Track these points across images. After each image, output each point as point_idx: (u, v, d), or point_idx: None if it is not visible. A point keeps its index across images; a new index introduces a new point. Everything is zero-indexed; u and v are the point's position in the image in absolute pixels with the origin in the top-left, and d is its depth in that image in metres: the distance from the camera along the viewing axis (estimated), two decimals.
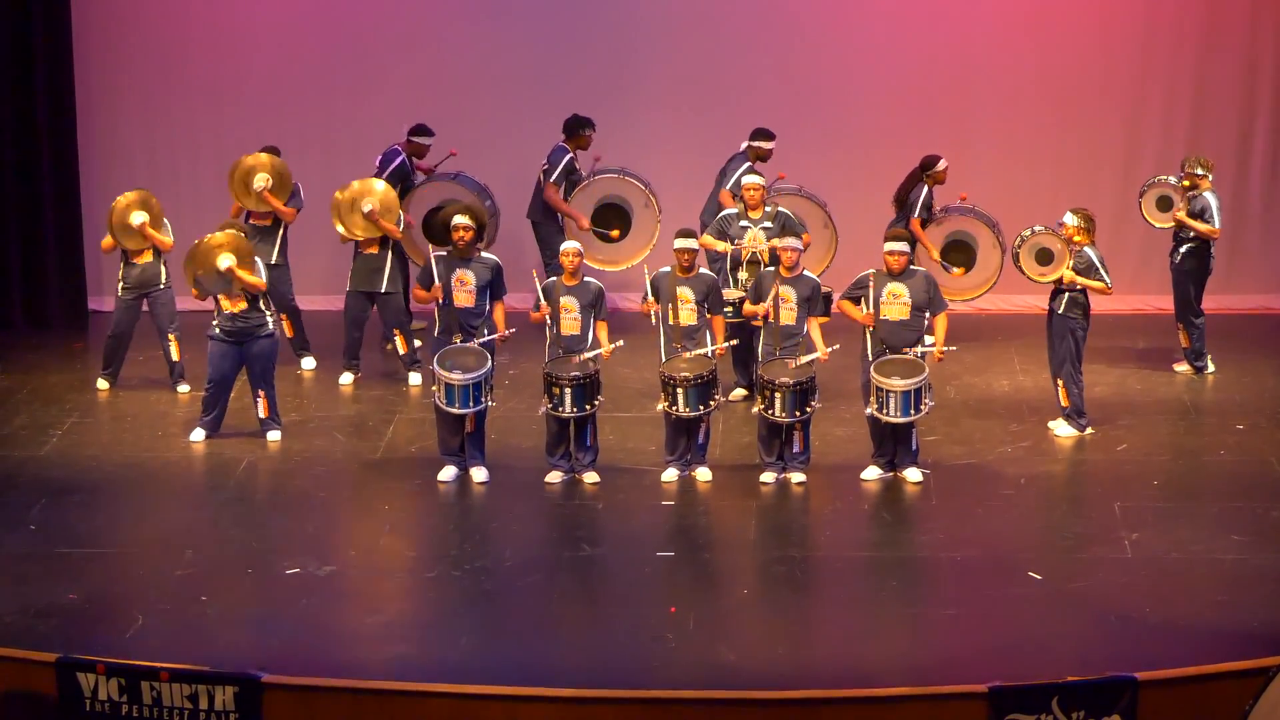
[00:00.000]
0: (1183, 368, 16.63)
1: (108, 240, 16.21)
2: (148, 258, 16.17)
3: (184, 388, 16.30)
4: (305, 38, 18.71)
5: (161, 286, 16.23)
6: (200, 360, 15.56)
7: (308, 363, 16.90)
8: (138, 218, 15.99)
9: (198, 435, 15.22)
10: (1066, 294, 14.88)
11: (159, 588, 12.64)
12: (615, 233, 17.26)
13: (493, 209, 17.36)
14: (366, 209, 16.16)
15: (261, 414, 15.22)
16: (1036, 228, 15.16)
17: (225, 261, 14.84)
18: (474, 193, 17.21)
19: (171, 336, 16.27)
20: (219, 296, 14.95)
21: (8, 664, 11.13)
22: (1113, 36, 18.48)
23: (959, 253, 17.12)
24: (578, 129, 17.34)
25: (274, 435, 15.21)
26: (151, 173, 18.50)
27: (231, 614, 12.35)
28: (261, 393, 15.15)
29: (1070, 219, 14.91)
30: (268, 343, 15.08)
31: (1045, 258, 15.03)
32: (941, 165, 16.99)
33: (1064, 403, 15.04)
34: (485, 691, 10.94)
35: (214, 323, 15.06)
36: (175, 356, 16.29)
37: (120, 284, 16.26)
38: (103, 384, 16.44)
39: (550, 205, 17.32)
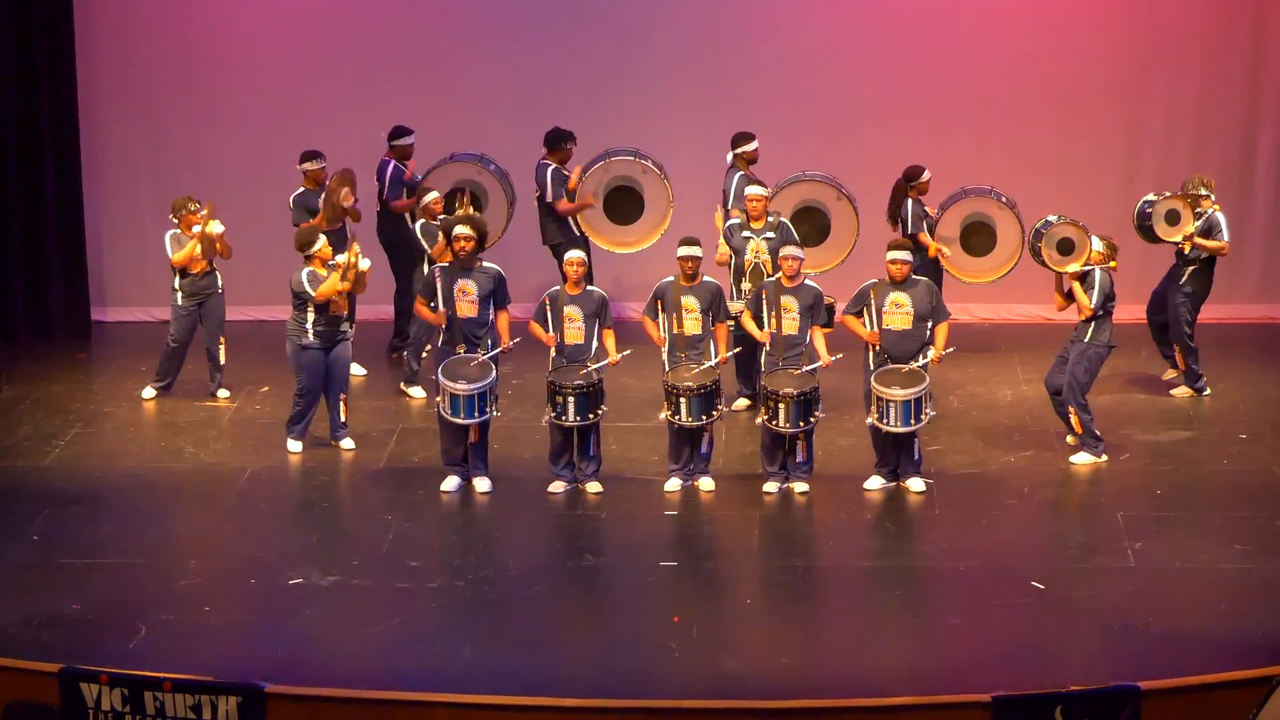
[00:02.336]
0: (1180, 390, 16.49)
1: (185, 255, 16.20)
2: (205, 265, 16.28)
3: (224, 393, 16.42)
4: (309, 49, 18.71)
5: (219, 291, 16.39)
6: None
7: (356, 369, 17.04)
8: (217, 226, 16.15)
9: (296, 446, 15.23)
10: (1093, 323, 14.80)
11: (162, 598, 12.65)
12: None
13: (498, 171, 17.43)
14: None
15: (343, 418, 15.28)
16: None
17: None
18: (474, 163, 17.36)
19: (222, 340, 16.37)
20: (331, 298, 14.99)
21: (11, 674, 11.13)
22: (1116, 47, 18.48)
23: (978, 234, 17.10)
24: (559, 142, 17.30)
25: (349, 443, 15.29)
26: (155, 184, 18.52)
27: (235, 624, 12.35)
28: (343, 396, 15.27)
29: (1096, 243, 14.92)
30: (348, 345, 15.24)
31: (1066, 247, 15.07)
32: (925, 176, 16.96)
33: (1078, 429, 14.93)
34: (488, 701, 10.94)
35: (307, 330, 15.03)
36: (223, 360, 16.38)
37: (178, 294, 16.29)
38: (150, 393, 16.45)
39: (563, 218, 17.27)
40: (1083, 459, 14.86)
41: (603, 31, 18.61)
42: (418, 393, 16.40)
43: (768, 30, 18.55)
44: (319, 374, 15.11)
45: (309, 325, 15.00)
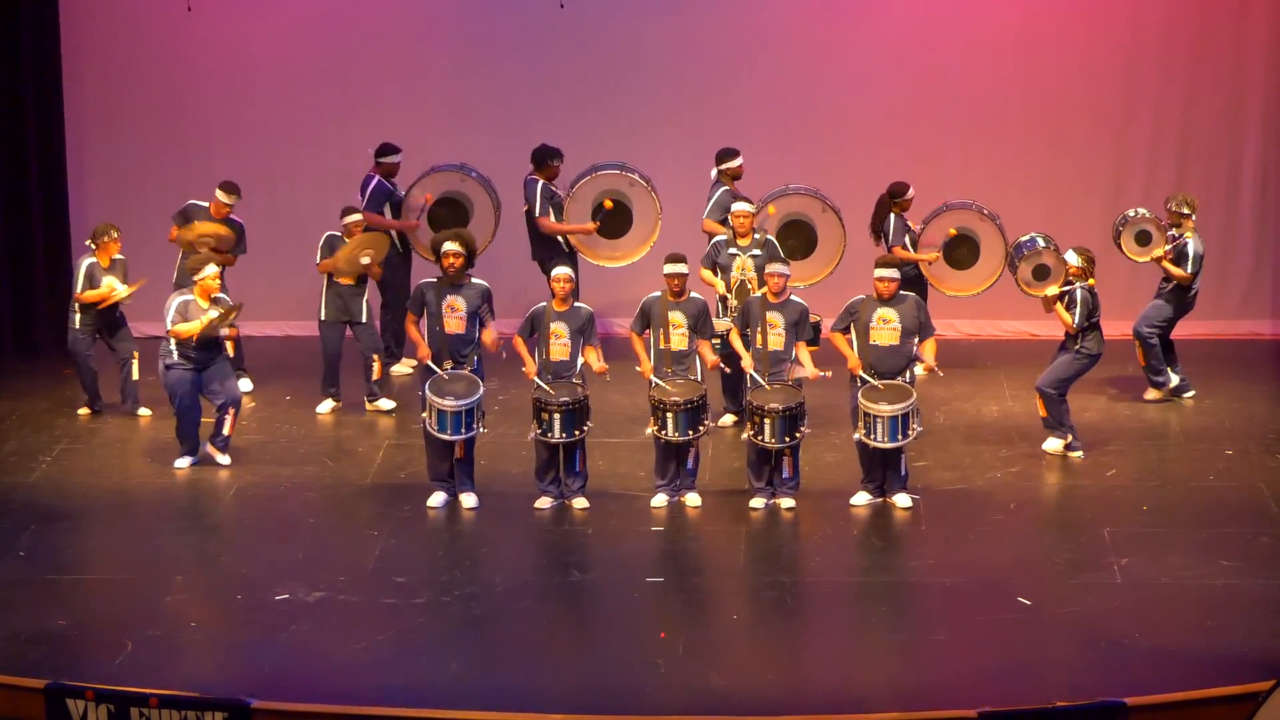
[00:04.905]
0: (1151, 394, 16.59)
1: (95, 297, 16.16)
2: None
3: (144, 410, 16.41)
4: (296, 67, 18.74)
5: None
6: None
7: (245, 384, 16.99)
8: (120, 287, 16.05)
9: (184, 463, 15.25)
10: (1080, 335, 14.95)
11: (148, 614, 12.63)
12: (608, 203, 17.18)
13: (480, 179, 17.43)
14: (365, 261, 16.24)
15: (227, 431, 15.25)
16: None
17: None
18: (456, 172, 17.37)
19: (135, 353, 16.33)
20: (218, 328, 15.02)
21: None
22: (1101, 63, 18.54)
23: (961, 247, 17.14)
24: (546, 160, 17.30)
25: (224, 459, 15.28)
26: (140, 200, 18.50)
27: (221, 640, 12.34)
28: (231, 410, 15.21)
29: (1073, 258, 15.00)
30: (225, 363, 15.24)
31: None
32: (910, 194, 17.01)
33: (1042, 413, 15.13)
34: (475, 717, 10.93)
35: (172, 351, 15.03)
36: (135, 376, 16.35)
37: (77, 316, 16.28)
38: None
39: (549, 235, 17.28)
40: (1052, 444, 15.08)
41: (590, 49, 18.63)
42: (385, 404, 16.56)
43: (755, 46, 18.59)
44: (191, 392, 15.10)
45: (174, 346, 15.01)
